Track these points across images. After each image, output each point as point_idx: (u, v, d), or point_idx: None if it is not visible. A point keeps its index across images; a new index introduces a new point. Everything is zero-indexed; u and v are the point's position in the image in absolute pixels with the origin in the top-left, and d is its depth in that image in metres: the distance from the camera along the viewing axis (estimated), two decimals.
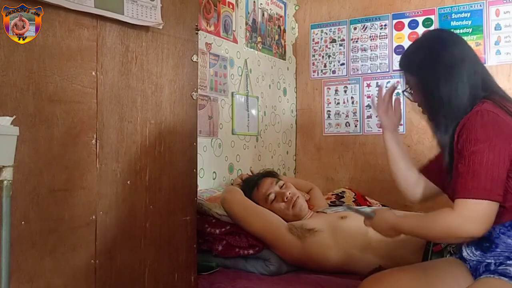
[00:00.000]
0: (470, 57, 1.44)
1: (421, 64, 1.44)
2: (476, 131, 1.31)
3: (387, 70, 3.20)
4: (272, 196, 2.17)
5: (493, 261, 1.34)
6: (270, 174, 2.32)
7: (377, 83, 3.23)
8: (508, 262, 1.32)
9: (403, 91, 1.53)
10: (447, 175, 1.41)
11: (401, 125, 3.15)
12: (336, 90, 3.38)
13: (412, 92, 1.50)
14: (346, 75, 3.35)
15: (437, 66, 1.41)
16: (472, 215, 1.26)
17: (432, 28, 3.08)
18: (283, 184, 2.23)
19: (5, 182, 1.00)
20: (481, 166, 1.28)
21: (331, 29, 3.42)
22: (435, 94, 1.41)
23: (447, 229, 1.30)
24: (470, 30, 2.98)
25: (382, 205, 2.28)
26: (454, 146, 1.36)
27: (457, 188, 1.31)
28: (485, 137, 1.30)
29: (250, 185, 2.22)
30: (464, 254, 1.43)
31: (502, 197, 1.28)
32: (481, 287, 1.32)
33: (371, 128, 3.25)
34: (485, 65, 2.96)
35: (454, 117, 1.37)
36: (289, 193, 2.18)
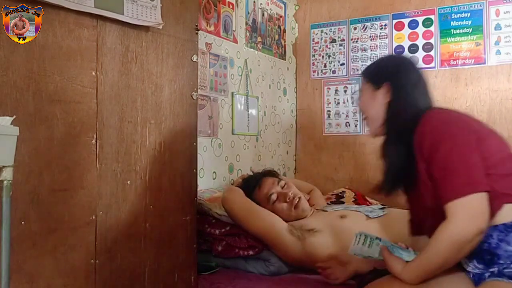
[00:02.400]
0: (422, 80, 1.52)
1: (382, 76, 1.53)
2: (434, 133, 1.34)
3: None
4: (274, 196, 2.15)
5: (497, 268, 1.30)
6: (270, 173, 2.31)
7: None
8: None
9: (352, 94, 1.61)
10: (408, 191, 1.47)
11: None
12: (336, 90, 3.37)
13: (360, 98, 1.60)
14: (346, 75, 3.35)
15: (394, 81, 1.50)
16: (468, 213, 1.25)
17: (433, 28, 3.08)
18: (285, 184, 2.22)
19: (5, 182, 1.00)
20: (454, 163, 1.28)
21: (331, 29, 3.42)
22: (390, 104, 1.49)
23: (454, 242, 1.26)
24: (470, 30, 2.98)
25: (382, 205, 2.28)
26: (418, 158, 1.37)
27: (442, 194, 1.30)
28: (446, 135, 1.32)
29: (251, 185, 2.21)
30: (465, 266, 1.37)
31: (488, 186, 1.26)
32: None
33: None
34: (485, 65, 2.97)
35: (403, 127, 1.43)
36: (291, 193, 2.16)
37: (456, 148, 1.30)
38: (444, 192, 1.29)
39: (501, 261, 1.29)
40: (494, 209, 1.28)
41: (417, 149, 1.37)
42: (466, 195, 1.25)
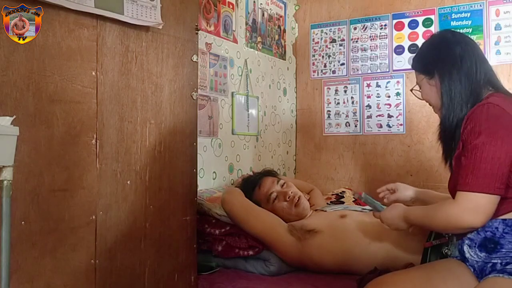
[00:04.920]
0: (470, 55, 1.49)
1: (426, 63, 1.54)
2: (480, 124, 1.34)
3: (387, 70, 3.20)
4: (274, 195, 2.16)
5: (499, 261, 1.34)
6: (270, 173, 2.32)
7: (377, 83, 3.23)
8: None
9: (411, 90, 1.62)
10: (449, 168, 1.49)
11: (401, 125, 3.15)
12: (336, 90, 3.38)
13: (420, 90, 1.58)
14: (346, 75, 3.35)
15: (439, 64, 1.49)
16: (471, 206, 1.33)
17: (433, 28, 3.08)
18: (284, 183, 2.23)
19: (5, 182, 1.00)
20: (482, 160, 1.32)
21: (331, 29, 3.42)
22: (441, 91, 1.49)
23: (447, 219, 1.38)
24: (470, 30, 2.98)
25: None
26: (460, 138, 1.40)
27: (459, 180, 1.36)
28: (489, 131, 1.33)
29: (251, 185, 2.22)
30: (467, 255, 1.42)
31: (504, 190, 1.32)
32: (489, 287, 1.31)
33: (371, 128, 3.25)
34: None
35: (455, 111, 1.44)
36: (291, 192, 2.17)
37: (489, 147, 1.32)
38: (461, 179, 1.35)
39: (504, 250, 1.34)
40: (505, 209, 1.35)
41: (461, 130, 1.40)
42: (478, 192, 1.31)
